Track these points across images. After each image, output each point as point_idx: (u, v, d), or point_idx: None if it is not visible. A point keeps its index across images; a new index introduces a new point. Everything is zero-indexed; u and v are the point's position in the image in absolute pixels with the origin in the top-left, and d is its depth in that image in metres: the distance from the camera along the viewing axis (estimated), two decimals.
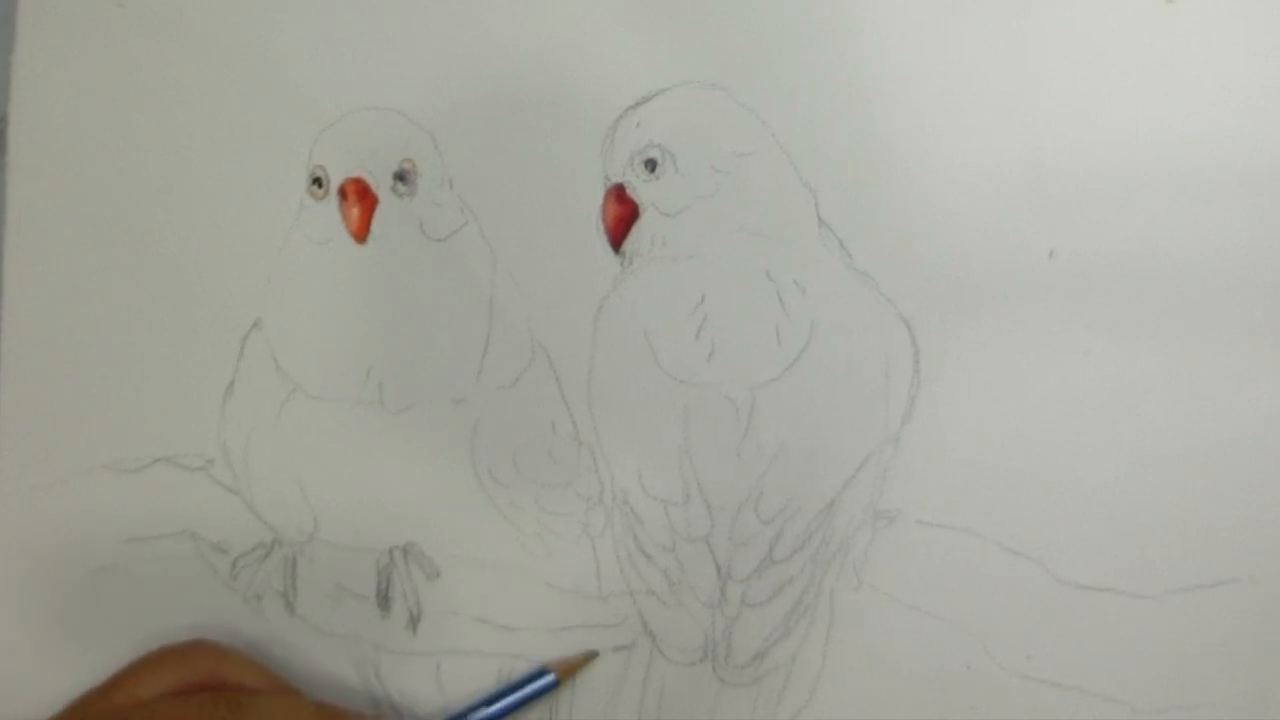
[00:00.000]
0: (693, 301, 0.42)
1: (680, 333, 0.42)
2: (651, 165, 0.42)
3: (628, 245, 0.42)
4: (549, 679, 0.42)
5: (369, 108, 0.43)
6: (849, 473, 0.42)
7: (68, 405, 0.45)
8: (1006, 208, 0.41)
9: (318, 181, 0.43)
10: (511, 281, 0.43)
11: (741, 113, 0.41)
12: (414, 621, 0.44)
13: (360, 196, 0.43)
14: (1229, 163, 0.40)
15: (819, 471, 0.42)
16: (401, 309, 0.43)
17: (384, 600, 0.44)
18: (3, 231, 0.45)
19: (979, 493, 0.41)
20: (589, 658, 0.43)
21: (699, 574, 0.43)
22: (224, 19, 0.43)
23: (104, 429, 0.45)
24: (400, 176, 0.43)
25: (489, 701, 0.42)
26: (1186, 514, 0.41)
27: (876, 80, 0.41)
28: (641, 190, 0.42)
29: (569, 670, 0.43)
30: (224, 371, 0.44)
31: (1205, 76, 0.40)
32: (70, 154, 0.44)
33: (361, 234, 0.43)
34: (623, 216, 0.42)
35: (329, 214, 0.43)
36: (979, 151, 0.41)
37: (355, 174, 0.43)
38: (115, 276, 0.44)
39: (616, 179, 0.42)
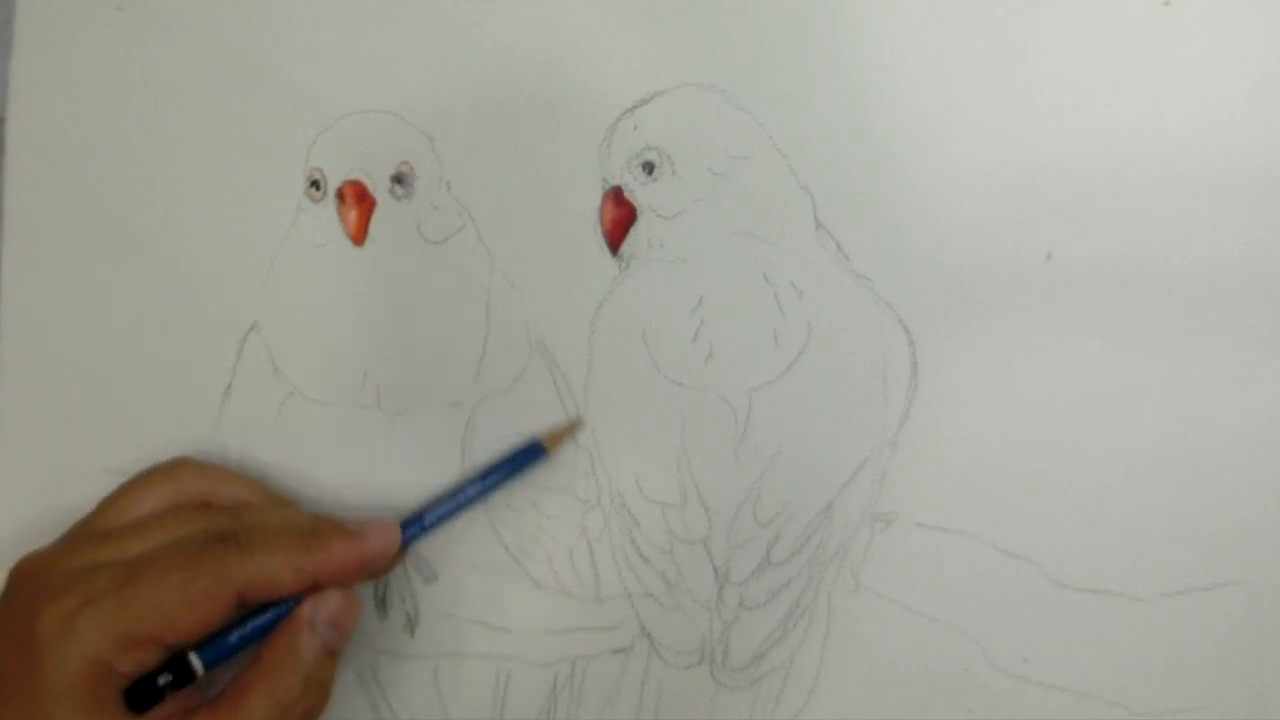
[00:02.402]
0: (690, 304, 0.42)
1: (678, 335, 0.42)
2: (649, 168, 0.42)
3: (625, 248, 0.42)
4: (538, 449, 0.42)
5: (366, 110, 0.43)
6: (846, 475, 0.42)
7: (66, 408, 0.45)
8: (1004, 210, 0.41)
9: (315, 184, 0.43)
10: (509, 284, 0.43)
11: (739, 115, 0.41)
12: (412, 624, 0.44)
13: (358, 199, 0.43)
14: (1227, 165, 0.40)
15: (816, 474, 0.42)
16: (399, 312, 0.43)
17: (382, 603, 0.44)
18: (1, 234, 0.45)
19: (976, 495, 0.41)
20: (576, 424, 0.42)
21: (696, 576, 0.43)
22: (222, 22, 0.43)
23: (102, 431, 0.45)
24: (398, 179, 0.43)
25: (482, 476, 0.42)
26: (1183, 516, 0.41)
27: (874, 83, 0.41)
28: (639, 193, 0.42)
29: (556, 439, 0.42)
30: (222, 374, 0.44)
31: (1203, 79, 0.40)
32: (68, 156, 0.44)
33: (359, 236, 0.43)
34: (620, 219, 0.42)
35: (327, 216, 0.43)
36: (977, 154, 0.41)
37: (353, 176, 0.43)
38: (113, 279, 0.44)
39: (614, 181, 0.42)
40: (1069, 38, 0.40)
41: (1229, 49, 0.40)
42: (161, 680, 0.37)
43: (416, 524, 0.41)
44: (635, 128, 0.42)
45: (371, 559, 0.39)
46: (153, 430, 0.45)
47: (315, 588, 0.38)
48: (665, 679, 0.43)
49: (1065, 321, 0.41)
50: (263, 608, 0.38)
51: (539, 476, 0.43)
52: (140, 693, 0.36)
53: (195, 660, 0.37)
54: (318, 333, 0.44)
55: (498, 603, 0.44)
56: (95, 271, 0.44)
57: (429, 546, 0.44)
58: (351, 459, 0.44)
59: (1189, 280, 0.40)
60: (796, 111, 0.41)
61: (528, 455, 0.42)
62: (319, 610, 0.38)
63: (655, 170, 0.42)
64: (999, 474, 0.41)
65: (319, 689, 0.38)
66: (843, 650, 0.42)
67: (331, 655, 0.39)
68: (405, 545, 0.41)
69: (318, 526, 0.39)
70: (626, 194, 0.42)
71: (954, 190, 0.41)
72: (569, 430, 0.43)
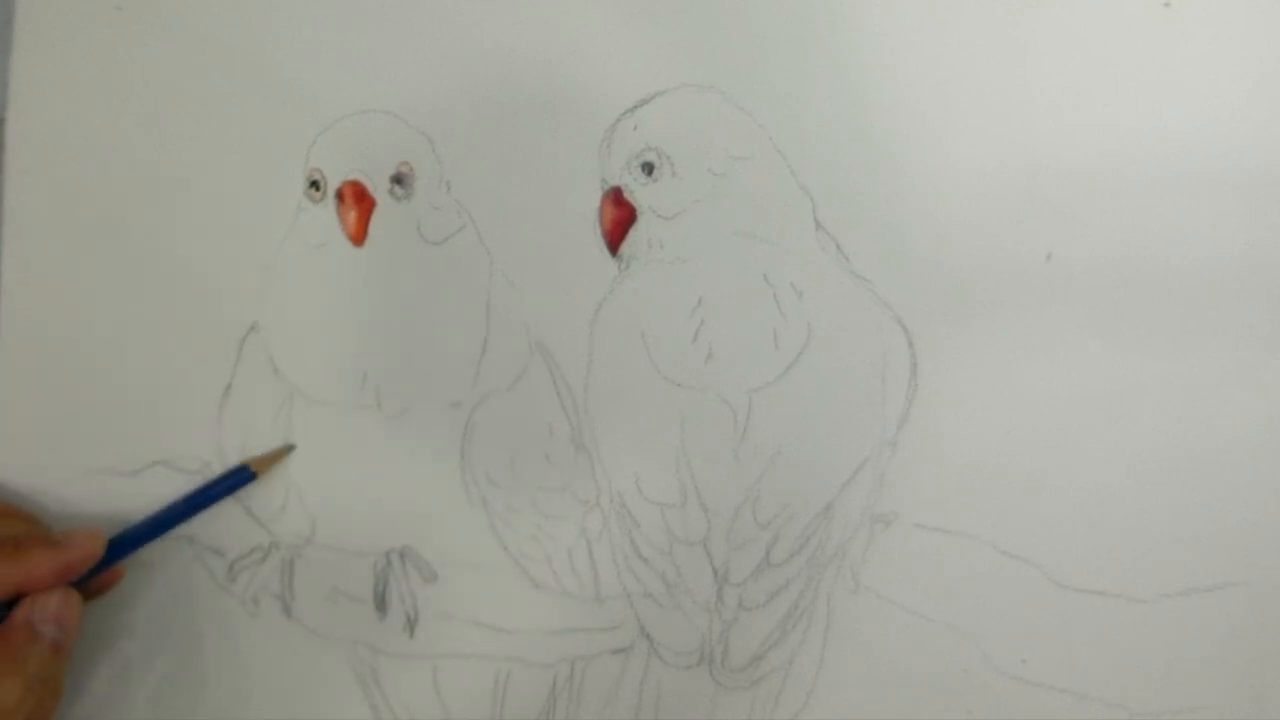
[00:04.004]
0: (690, 305, 0.42)
1: (677, 336, 0.42)
2: (649, 168, 0.42)
3: (625, 248, 0.42)
4: (247, 473, 0.44)
5: (366, 110, 0.43)
6: (846, 476, 0.42)
7: (65, 408, 0.45)
8: (1004, 210, 0.41)
9: (315, 184, 0.43)
10: (509, 284, 0.43)
11: (739, 116, 0.41)
12: (411, 624, 0.44)
13: (357, 199, 0.43)
14: (1227, 166, 0.40)
15: (816, 475, 0.42)
16: (399, 312, 0.43)
17: (381, 603, 0.44)
18: (1, 234, 0.45)
19: (976, 496, 0.41)
20: (285, 450, 0.44)
21: (696, 577, 0.43)
22: (222, 23, 0.43)
23: (101, 432, 0.45)
24: (397, 179, 0.43)
25: (193, 496, 0.44)
26: (1183, 516, 0.41)
27: (874, 83, 0.41)
28: (639, 193, 0.42)
29: (264, 464, 0.44)
30: (221, 374, 0.44)
31: (1203, 79, 0.40)
32: (68, 157, 0.44)
33: (359, 237, 0.43)
34: (620, 220, 0.42)
35: (326, 217, 0.43)
36: (977, 154, 0.41)
37: (352, 177, 0.43)
38: (113, 279, 0.44)
39: (614, 182, 0.42)
40: (1069, 38, 0.40)
41: (1229, 49, 0.40)
42: None
43: (128, 538, 0.43)
44: (635, 128, 0.42)
45: (72, 566, 0.41)
46: (152, 432, 0.45)
47: (23, 594, 0.40)
48: (665, 679, 0.43)
49: (1065, 321, 0.41)
50: None
51: (538, 477, 0.43)
52: None
53: None
54: (318, 333, 0.44)
55: (497, 603, 0.44)
56: (95, 272, 0.44)
57: (428, 547, 0.44)
58: (351, 459, 0.44)
59: (1189, 280, 0.40)
60: (796, 112, 0.41)
61: (237, 478, 0.44)
62: (35, 610, 0.39)
63: (655, 171, 0.42)
64: (999, 474, 0.41)
65: (45, 687, 0.39)
66: (842, 651, 0.42)
67: (59, 652, 0.40)
68: (116, 558, 0.42)
69: (19, 536, 0.41)
70: (626, 194, 0.42)
71: (954, 190, 0.41)
72: (278, 456, 0.44)
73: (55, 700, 0.40)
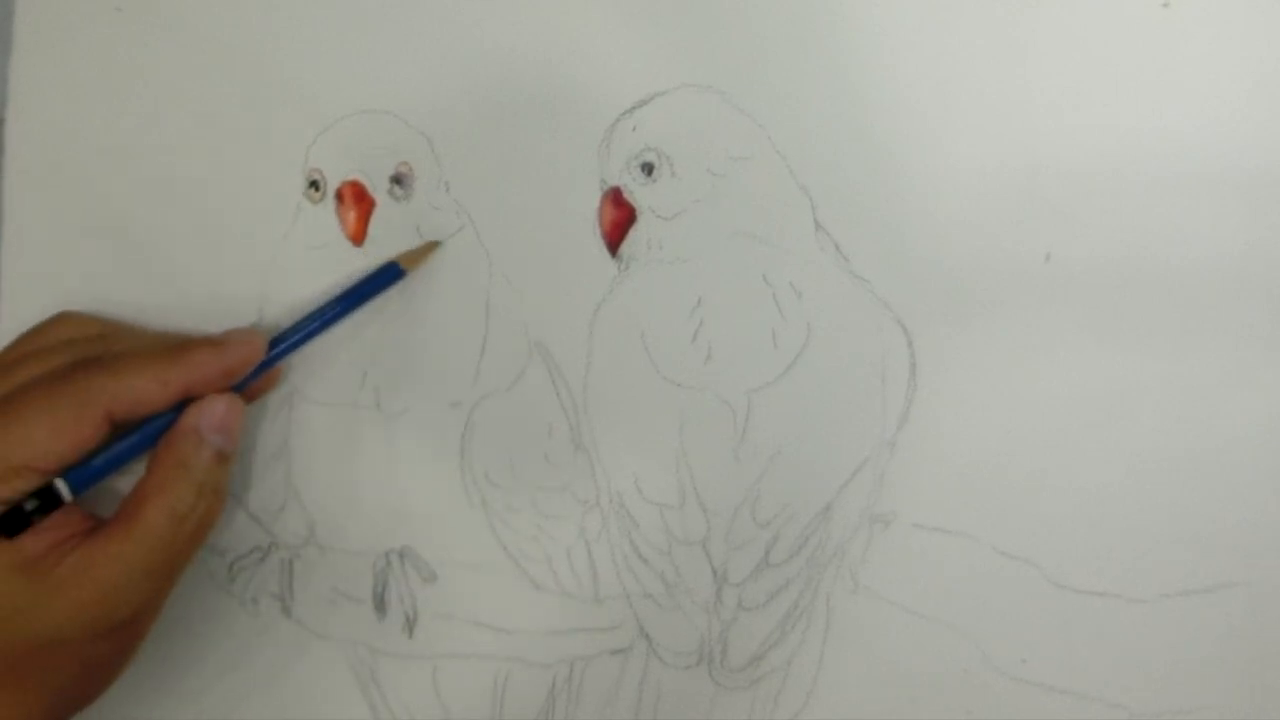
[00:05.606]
0: (689, 305, 0.42)
1: (677, 336, 0.42)
2: (648, 169, 0.42)
3: (624, 249, 0.42)
4: (395, 270, 0.42)
5: (366, 110, 0.43)
6: (845, 476, 0.42)
7: None
8: (1003, 211, 0.41)
9: (314, 185, 0.43)
10: (508, 285, 0.43)
11: (738, 116, 0.41)
12: (410, 625, 0.44)
13: (357, 199, 0.43)
14: (1226, 166, 0.40)
15: (815, 475, 0.42)
16: (399, 312, 0.43)
17: (380, 603, 0.44)
18: (1, 234, 0.45)
19: (975, 496, 0.41)
20: (433, 245, 0.43)
21: (695, 577, 0.43)
22: (221, 23, 0.43)
23: None
24: (397, 180, 0.43)
25: (344, 296, 0.43)
26: (1183, 516, 0.41)
27: (873, 84, 0.41)
28: (638, 194, 0.42)
29: (413, 259, 0.43)
30: None
31: (1203, 79, 0.40)
32: (67, 157, 0.44)
33: (359, 237, 0.43)
34: (619, 220, 0.42)
35: (326, 217, 0.43)
36: (976, 154, 0.41)
37: (352, 177, 0.43)
38: (112, 279, 0.44)
39: (613, 182, 0.42)
40: (1069, 38, 0.40)
41: (1229, 49, 0.40)
42: (28, 506, 0.37)
43: (286, 339, 0.42)
44: (634, 128, 0.42)
45: (235, 366, 0.40)
46: None
47: (188, 400, 0.39)
48: (664, 680, 0.43)
49: (1065, 321, 0.41)
50: (137, 429, 0.39)
51: (537, 477, 0.43)
52: (11, 519, 0.37)
53: (61, 486, 0.37)
54: (317, 333, 0.44)
55: (496, 603, 0.44)
56: (95, 271, 0.44)
57: (427, 547, 0.44)
58: (351, 459, 0.44)
59: (1189, 280, 0.40)
60: (796, 112, 0.41)
61: (386, 276, 0.42)
62: (203, 417, 0.39)
63: (654, 171, 0.42)
64: (998, 474, 0.41)
65: (213, 494, 0.39)
66: (841, 651, 0.42)
67: (223, 460, 0.39)
68: (274, 360, 0.42)
69: (182, 340, 0.40)
70: (625, 195, 0.42)
71: (954, 190, 0.41)
72: (426, 251, 0.43)
73: (221, 506, 0.40)
